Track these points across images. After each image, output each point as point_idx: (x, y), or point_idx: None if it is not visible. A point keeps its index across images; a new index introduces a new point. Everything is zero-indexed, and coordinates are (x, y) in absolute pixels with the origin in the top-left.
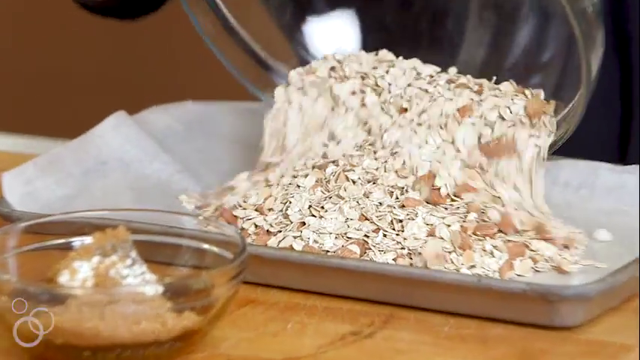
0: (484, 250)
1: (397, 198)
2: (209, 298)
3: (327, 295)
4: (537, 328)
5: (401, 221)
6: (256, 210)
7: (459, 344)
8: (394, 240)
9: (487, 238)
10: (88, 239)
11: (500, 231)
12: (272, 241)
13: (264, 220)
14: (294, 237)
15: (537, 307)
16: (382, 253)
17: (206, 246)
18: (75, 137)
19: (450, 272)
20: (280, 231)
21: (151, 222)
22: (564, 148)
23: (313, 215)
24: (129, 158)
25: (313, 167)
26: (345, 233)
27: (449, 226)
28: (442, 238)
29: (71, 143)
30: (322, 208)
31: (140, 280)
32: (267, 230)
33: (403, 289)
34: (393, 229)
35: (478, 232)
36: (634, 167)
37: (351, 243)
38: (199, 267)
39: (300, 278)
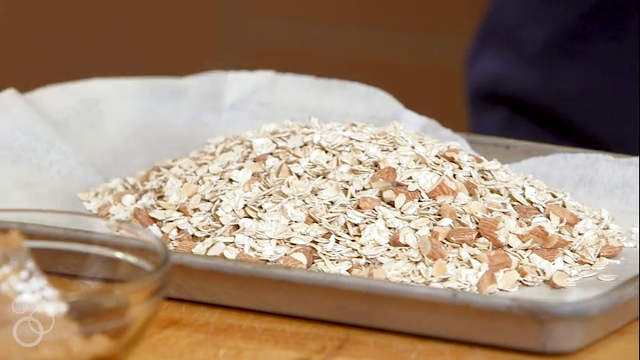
0: (460, 260)
1: (352, 196)
2: (124, 318)
3: (267, 314)
4: (525, 354)
5: (357, 225)
6: (178, 210)
7: None
8: (349, 247)
9: (464, 245)
10: None
11: (479, 236)
12: (199, 248)
13: (189, 222)
14: (226, 243)
15: (525, 328)
16: (334, 262)
17: (119, 254)
18: None
19: (418, 286)
20: (209, 236)
21: (52, 225)
22: None
23: (249, 217)
24: (19, 147)
25: (247, 158)
26: (289, 239)
27: (416, 230)
28: (407, 245)
29: None
30: (260, 207)
31: (39, 296)
32: (193, 235)
33: (361, 306)
34: (348, 234)
35: (453, 238)
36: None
37: (295, 250)
38: (111, 280)
39: (235, 293)
